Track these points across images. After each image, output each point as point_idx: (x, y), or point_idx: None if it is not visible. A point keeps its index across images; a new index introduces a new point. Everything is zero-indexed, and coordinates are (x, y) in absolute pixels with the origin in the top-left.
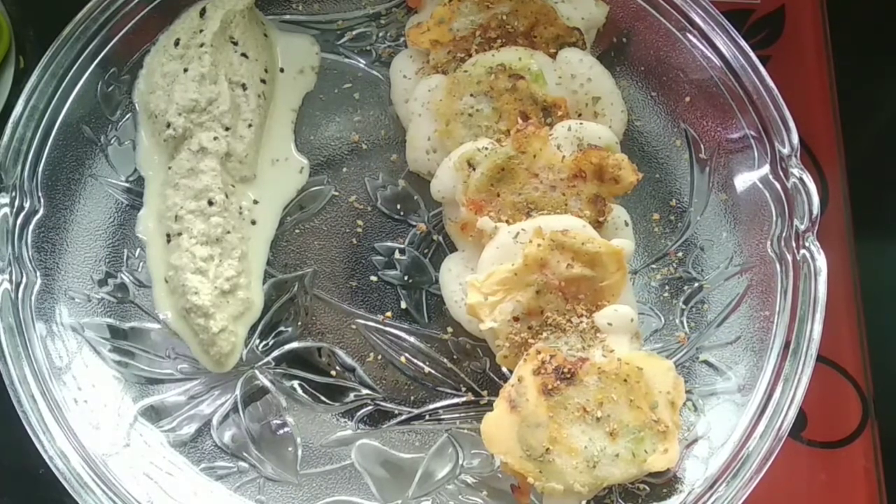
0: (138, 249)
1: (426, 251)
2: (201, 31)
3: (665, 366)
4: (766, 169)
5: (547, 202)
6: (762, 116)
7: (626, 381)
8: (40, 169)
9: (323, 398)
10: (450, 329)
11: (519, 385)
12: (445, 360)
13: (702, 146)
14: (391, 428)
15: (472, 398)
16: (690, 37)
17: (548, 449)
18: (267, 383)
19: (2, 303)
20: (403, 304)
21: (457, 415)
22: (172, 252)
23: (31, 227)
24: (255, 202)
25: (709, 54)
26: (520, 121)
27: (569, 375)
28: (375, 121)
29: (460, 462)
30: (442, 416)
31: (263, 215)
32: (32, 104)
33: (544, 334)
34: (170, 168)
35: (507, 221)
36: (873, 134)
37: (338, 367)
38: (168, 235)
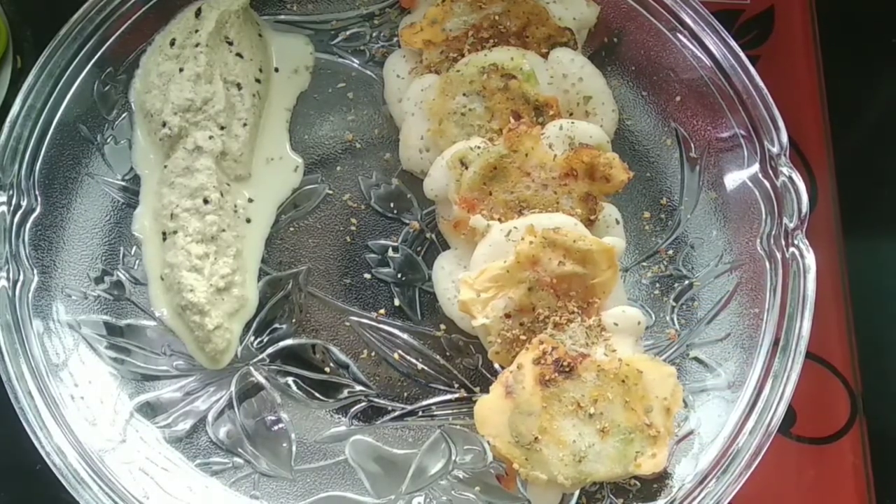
0: (134, 247)
1: (419, 249)
2: (197, 31)
3: (666, 371)
4: (755, 167)
5: (539, 200)
6: (752, 116)
7: (623, 381)
8: (37, 167)
9: (317, 395)
10: (442, 326)
11: (517, 372)
12: (438, 357)
13: (692, 145)
14: (384, 424)
15: (465, 395)
16: (681, 37)
17: (536, 438)
18: (261, 380)
19: None
20: (397, 302)
21: (449, 411)
22: (168, 250)
23: (28, 225)
24: (250, 200)
25: (699, 54)
26: (512, 120)
27: (568, 369)
28: (369, 120)
29: (453, 458)
30: (435, 413)
31: (258, 213)
32: (30, 103)
33: (548, 330)
34: (165, 167)
35: (499, 219)
36: (862, 133)
37: (332, 364)
38: (164, 233)
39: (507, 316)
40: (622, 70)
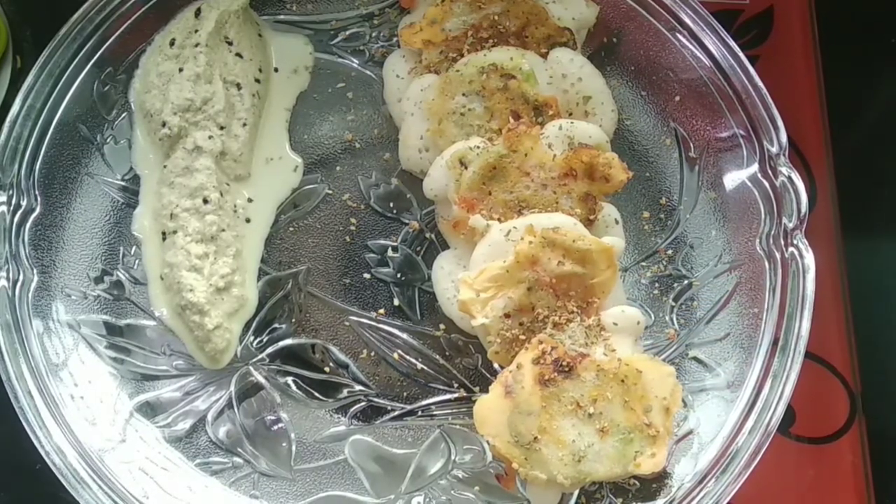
0: (134, 247)
1: (419, 249)
2: (196, 31)
3: (666, 371)
4: (754, 167)
5: (538, 200)
6: (751, 115)
7: (623, 381)
8: (37, 167)
9: (317, 394)
10: (442, 326)
11: (517, 372)
12: (438, 357)
13: (691, 145)
14: (384, 424)
15: (464, 394)
16: (680, 37)
17: (536, 438)
18: (261, 380)
19: None
20: (396, 302)
21: (449, 411)
22: (168, 250)
23: (28, 225)
24: (250, 200)
25: (698, 54)
26: (511, 120)
27: (567, 369)
28: (368, 120)
29: (452, 457)
30: (434, 412)
31: (258, 213)
32: (29, 103)
33: (548, 329)
34: (165, 167)
35: (498, 219)
36: (861, 133)
37: (331, 364)
38: (163, 233)
39: (507, 316)
40: (622, 70)
